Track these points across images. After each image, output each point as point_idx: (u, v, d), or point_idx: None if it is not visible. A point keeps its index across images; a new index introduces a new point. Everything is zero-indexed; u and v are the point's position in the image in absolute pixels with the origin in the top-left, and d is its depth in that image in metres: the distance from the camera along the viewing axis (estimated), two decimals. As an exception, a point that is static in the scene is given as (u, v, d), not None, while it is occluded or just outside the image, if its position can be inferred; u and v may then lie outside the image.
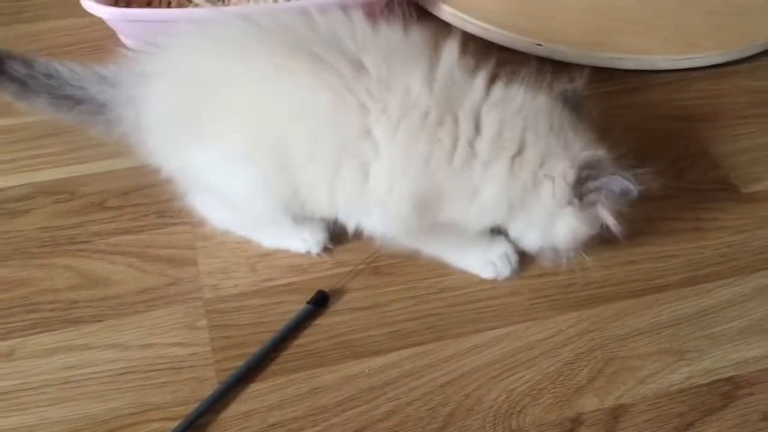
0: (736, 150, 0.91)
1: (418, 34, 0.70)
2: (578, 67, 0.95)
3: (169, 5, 0.98)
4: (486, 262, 0.76)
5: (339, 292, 0.75)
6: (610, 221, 0.70)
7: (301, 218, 0.75)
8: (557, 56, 0.97)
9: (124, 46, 0.97)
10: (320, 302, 0.74)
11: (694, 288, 0.77)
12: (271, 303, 0.74)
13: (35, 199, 0.82)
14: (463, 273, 0.77)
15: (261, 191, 0.70)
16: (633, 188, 0.68)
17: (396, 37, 0.70)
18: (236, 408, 0.67)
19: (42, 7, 1.02)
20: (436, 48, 0.70)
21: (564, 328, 0.74)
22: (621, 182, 0.68)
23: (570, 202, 0.69)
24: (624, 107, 0.95)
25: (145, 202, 0.82)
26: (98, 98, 0.74)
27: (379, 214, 0.70)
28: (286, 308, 0.74)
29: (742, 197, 0.86)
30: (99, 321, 0.72)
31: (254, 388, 0.68)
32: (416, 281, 0.77)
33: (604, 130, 0.83)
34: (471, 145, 0.68)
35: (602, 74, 0.97)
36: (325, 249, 0.78)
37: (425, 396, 0.69)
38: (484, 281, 0.77)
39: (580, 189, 0.69)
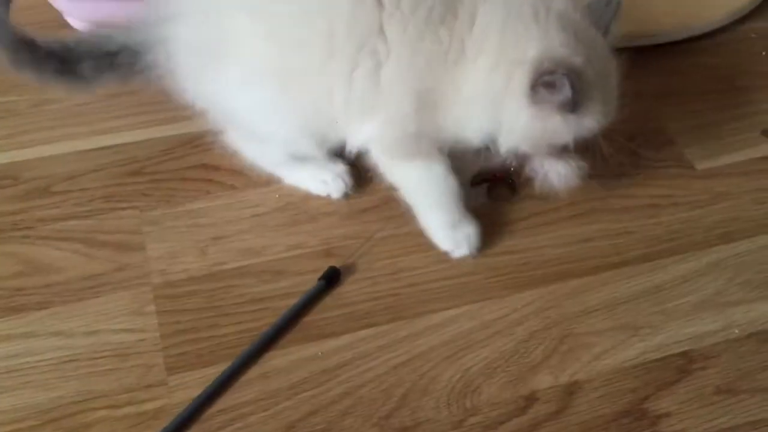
0: (691, 126, 0.91)
1: None
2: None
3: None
4: (447, 236, 0.76)
5: (294, 274, 0.74)
6: (553, 130, 0.70)
7: (320, 148, 0.76)
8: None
9: (71, 28, 0.95)
10: (332, 278, 0.73)
11: (649, 264, 0.77)
12: (222, 287, 0.73)
13: (-24, 186, 0.80)
14: (419, 253, 0.77)
15: (280, 104, 0.71)
16: (570, 98, 0.67)
17: None
18: (183, 394, 0.65)
19: (-15, -12, 0.99)
20: None
21: (519, 306, 0.73)
22: (566, 89, 0.66)
23: (527, 94, 0.68)
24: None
25: (91, 187, 0.80)
26: (130, 45, 0.74)
27: (384, 119, 0.71)
28: (237, 292, 0.73)
29: (696, 174, 0.86)
30: (43, 308, 0.71)
31: (202, 374, 0.67)
32: (371, 262, 0.76)
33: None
34: (462, 42, 0.68)
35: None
36: (345, 195, 0.79)
37: (379, 377, 0.68)
38: (440, 261, 0.76)
39: (537, 80, 0.67)
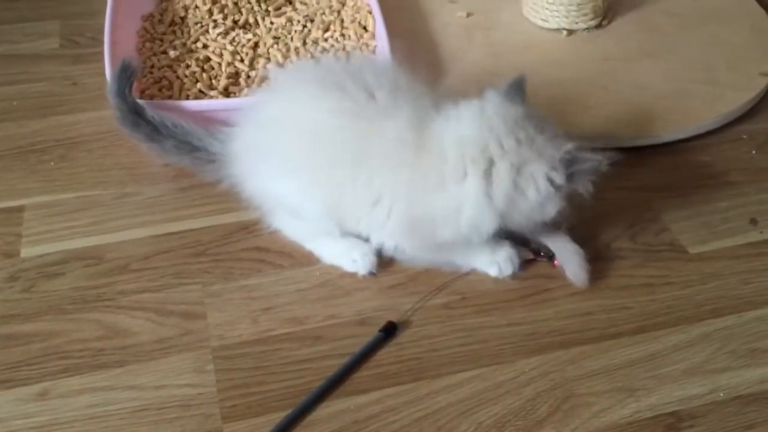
0: (685, 216, 1.02)
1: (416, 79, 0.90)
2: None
3: (187, 97, 1.13)
4: (492, 262, 0.91)
5: (331, 340, 0.86)
6: (585, 189, 0.87)
7: (349, 233, 0.92)
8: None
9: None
10: (389, 331, 0.86)
11: (645, 335, 0.87)
12: (271, 350, 0.85)
13: (68, 264, 0.94)
14: (438, 324, 0.88)
15: (308, 196, 0.88)
16: (601, 165, 0.84)
17: (403, 79, 0.88)
18: (237, 439, 0.77)
19: (78, 101, 1.17)
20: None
21: (527, 370, 0.84)
22: (592, 164, 0.84)
23: (556, 191, 0.84)
24: (587, 180, 1.07)
25: (162, 265, 0.94)
26: (210, 149, 0.97)
27: (387, 232, 0.88)
28: (283, 354, 0.85)
29: (689, 257, 0.96)
30: (121, 366, 0.83)
31: (252, 423, 0.78)
32: (399, 330, 0.87)
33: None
34: (441, 170, 0.84)
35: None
36: (371, 273, 0.92)
37: (403, 428, 0.78)
38: (457, 330, 0.87)
39: (566, 178, 0.84)
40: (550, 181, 0.84)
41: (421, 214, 0.85)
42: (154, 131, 0.98)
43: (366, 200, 0.87)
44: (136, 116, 0.99)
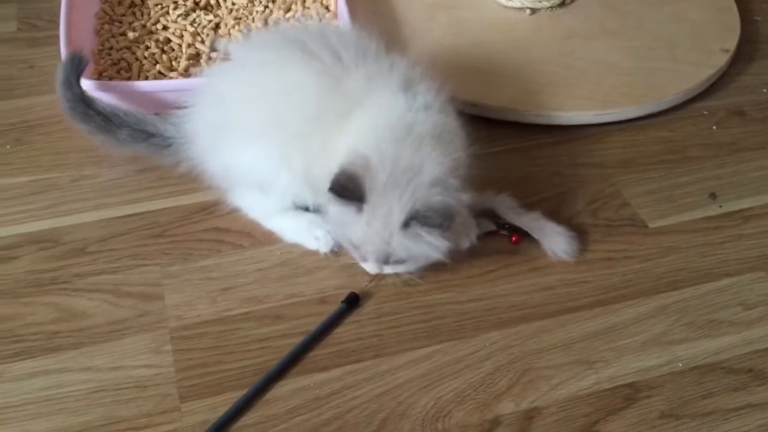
0: (645, 191, 1.02)
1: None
2: (509, 124, 1.09)
3: (146, 78, 1.11)
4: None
5: (292, 318, 0.85)
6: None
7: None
8: (489, 114, 1.09)
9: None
10: (352, 302, 0.86)
11: (603, 308, 0.88)
12: (229, 329, 0.84)
13: (23, 247, 0.92)
14: (399, 300, 0.88)
15: (279, 164, 0.87)
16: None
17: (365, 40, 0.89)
18: (193, 419, 0.76)
19: (35, 84, 1.15)
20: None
21: (487, 344, 0.84)
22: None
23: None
24: (549, 157, 1.07)
25: (120, 247, 0.92)
26: (165, 134, 0.95)
27: None
28: (241, 334, 0.84)
29: (648, 231, 0.97)
30: (75, 348, 0.82)
31: (210, 402, 0.78)
32: (358, 308, 0.87)
33: (532, 176, 0.98)
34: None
35: (532, 129, 1.09)
36: (333, 251, 0.91)
37: (363, 404, 0.78)
38: (416, 307, 0.87)
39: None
40: None
41: None
42: (106, 121, 0.95)
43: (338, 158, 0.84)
44: (85, 107, 0.95)
